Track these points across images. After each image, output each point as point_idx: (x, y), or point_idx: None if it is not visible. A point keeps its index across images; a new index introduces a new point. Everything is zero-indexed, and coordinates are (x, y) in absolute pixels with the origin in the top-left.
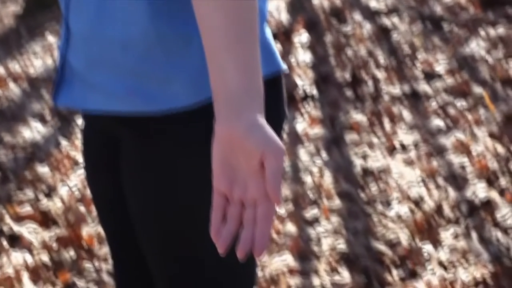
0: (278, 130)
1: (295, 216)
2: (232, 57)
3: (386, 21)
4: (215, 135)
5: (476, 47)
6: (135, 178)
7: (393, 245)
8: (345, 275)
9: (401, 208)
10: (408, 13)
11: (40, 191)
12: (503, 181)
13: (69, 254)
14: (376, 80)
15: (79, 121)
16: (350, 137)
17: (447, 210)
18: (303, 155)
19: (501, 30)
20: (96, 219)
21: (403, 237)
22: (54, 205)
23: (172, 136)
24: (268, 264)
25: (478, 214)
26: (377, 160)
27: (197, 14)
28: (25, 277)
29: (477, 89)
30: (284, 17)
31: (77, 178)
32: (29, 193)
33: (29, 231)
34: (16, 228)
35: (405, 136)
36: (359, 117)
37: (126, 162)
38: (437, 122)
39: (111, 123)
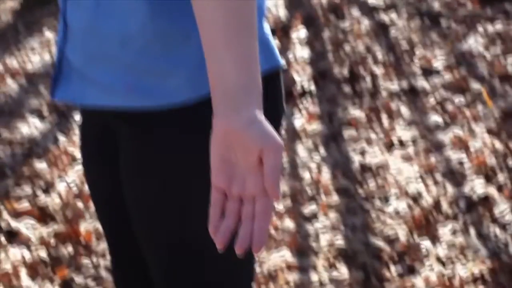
0: (276, 125)
1: (293, 212)
2: (230, 53)
3: (384, 17)
4: (213, 131)
5: (474, 43)
6: (133, 173)
7: (391, 241)
8: (343, 271)
9: (399, 204)
10: (406, 9)
11: (38, 187)
12: (501, 177)
13: (67, 250)
14: (374, 76)
15: (77, 117)
16: (348, 133)
17: (445, 206)
18: (301, 151)
19: (499, 26)
20: (94, 215)
21: (401, 233)
22: (52, 201)
23: (170, 131)
24: (266, 260)
25: (476, 210)
26: (375, 156)
27: (195, 10)
28: (23, 273)
29: (475, 85)
30: (282, 13)
31: (75, 174)
32: (27, 189)
33: (27, 227)
34: (14, 224)
35: (403, 132)
36: (357, 113)
37: (124, 156)
38: (435, 118)
39: (109, 117)
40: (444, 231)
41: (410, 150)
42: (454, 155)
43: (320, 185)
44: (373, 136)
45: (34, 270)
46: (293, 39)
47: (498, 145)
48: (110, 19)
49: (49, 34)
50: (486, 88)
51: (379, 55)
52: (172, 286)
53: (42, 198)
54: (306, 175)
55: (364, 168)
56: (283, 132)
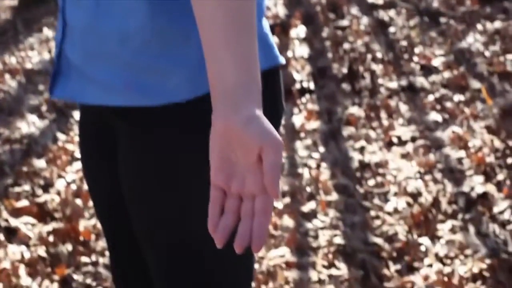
0: (276, 123)
1: (292, 210)
2: (230, 53)
3: (383, 15)
4: (213, 129)
5: (473, 41)
6: (133, 171)
7: (390, 239)
8: (342, 269)
9: (398, 202)
10: (405, 7)
11: (37, 185)
12: (500, 175)
13: (66, 248)
14: (373, 74)
15: (76, 115)
16: (347, 131)
17: (444, 204)
18: (300, 149)
19: (498, 24)
20: (93, 213)
21: (400, 231)
22: (51, 199)
23: (169, 130)
24: (265, 257)
25: (475, 208)
26: (374, 154)
27: (195, 10)
28: (22, 271)
29: (474, 83)
30: (281, 11)
31: (74, 172)
32: (26, 187)
33: (26, 225)
34: (13, 222)
35: (402, 130)
36: (356, 111)
37: (123, 154)
38: (434, 116)
39: (108, 115)
40: (443, 229)
41: (409, 148)
42: (453, 153)
43: (319, 183)
44: (372, 134)
45: (33, 268)
46: (292, 37)
47: (497, 143)
48: (109, 17)
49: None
50: (485, 86)
51: (378, 53)
52: (172, 284)
53: (41, 196)
54: (305, 173)
55: (363, 166)
56: (282, 130)
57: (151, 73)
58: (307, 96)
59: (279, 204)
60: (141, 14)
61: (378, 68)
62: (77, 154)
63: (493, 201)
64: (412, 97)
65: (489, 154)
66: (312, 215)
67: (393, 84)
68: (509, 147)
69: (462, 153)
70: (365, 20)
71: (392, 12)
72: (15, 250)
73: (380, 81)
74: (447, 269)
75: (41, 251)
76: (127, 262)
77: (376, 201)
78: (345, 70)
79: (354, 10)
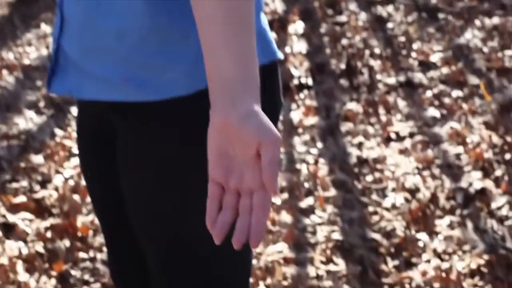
0: (274, 118)
1: (290, 206)
2: (228, 47)
3: (381, 11)
4: (211, 124)
5: (471, 37)
6: (131, 166)
7: (388, 234)
8: (340, 264)
9: (396, 198)
10: (404, 2)
11: (35, 180)
12: (498, 171)
13: (64, 243)
14: (371, 70)
15: (74, 110)
16: (345, 126)
17: (442, 200)
18: (298, 144)
19: (496, 19)
20: (91, 209)
21: (399, 226)
22: (49, 195)
23: (167, 125)
24: (263, 253)
25: (473, 203)
26: (372, 149)
27: (194, 9)
28: (20, 267)
29: (473, 79)
30: (279, 6)
31: (71, 168)
32: (24, 182)
33: (24, 221)
34: (11, 218)
35: (400, 125)
36: (354, 106)
37: (121, 149)
38: (433, 112)
39: (106, 110)
40: (441, 224)
41: (407, 143)
42: (451, 149)
43: (317, 178)
44: (370, 129)
45: (30, 264)
46: (290, 32)
47: (496, 138)
48: (108, 13)
49: (45, 28)
50: (483, 81)
51: (377, 49)
52: (170, 279)
53: (39, 192)
54: (303, 169)
55: (361, 161)
56: (280, 125)
57: (149, 68)
58: (305, 92)
59: (277, 200)
60: (140, 13)
61: (376, 63)
62: (75, 150)
63: (491, 196)
64: (410, 93)
65: (487, 150)
66: (310, 211)
67: (391, 80)
68: (507, 142)
69: (460, 149)
70: (363, 15)
71: (390, 8)
72: (13, 246)
73: (378, 76)
74: (445, 265)
75: (39, 247)
76: (125, 258)
77: (374, 196)
78: (343, 66)
79: (352, 6)
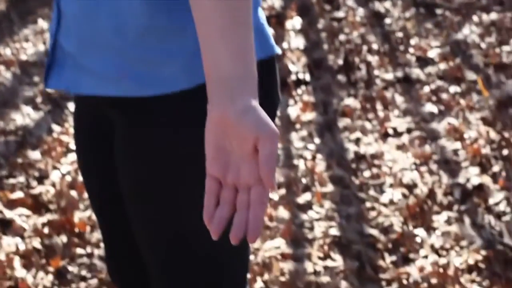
0: (271, 114)
1: (288, 201)
2: (226, 43)
3: (379, 7)
4: (208, 119)
5: (469, 32)
6: (128, 160)
7: (385, 230)
8: (337, 260)
9: (394, 193)
10: None
11: (32, 176)
12: (495, 167)
13: (61, 239)
14: (369, 66)
15: (71, 106)
16: (343, 122)
17: (440, 195)
18: (295, 140)
19: (494, 15)
20: (88, 205)
21: (396, 222)
22: (46, 191)
23: (165, 119)
24: (260, 249)
25: (470, 199)
26: (370, 145)
27: (192, 7)
28: (17, 262)
29: (470, 75)
30: (277, 2)
31: (69, 164)
32: (21, 178)
33: (21, 216)
34: (8, 213)
35: (398, 121)
36: (352, 102)
37: (119, 144)
38: (430, 108)
39: (104, 105)
40: (439, 220)
41: (405, 139)
42: (449, 145)
43: (315, 174)
44: (368, 125)
45: (28, 260)
46: (288, 28)
47: (493, 134)
48: (104, 8)
49: (43, 24)
50: (481, 77)
51: (374, 45)
52: (167, 275)
53: (36, 187)
54: (300, 165)
55: (359, 157)
56: (277, 121)
57: (146, 63)
58: (303, 87)
59: (274, 196)
60: (140, 12)
61: (373, 59)
62: (72, 146)
63: (489, 192)
64: (408, 89)
65: (484, 145)
66: (307, 206)
67: (389, 76)
68: (504, 138)
69: (457, 145)
70: (361, 11)
71: (388, 4)
72: (10, 242)
73: (375, 72)
74: (442, 261)
75: (36, 243)
76: (122, 254)
77: (372, 192)
78: (340, 62)
79: (350, 2)
